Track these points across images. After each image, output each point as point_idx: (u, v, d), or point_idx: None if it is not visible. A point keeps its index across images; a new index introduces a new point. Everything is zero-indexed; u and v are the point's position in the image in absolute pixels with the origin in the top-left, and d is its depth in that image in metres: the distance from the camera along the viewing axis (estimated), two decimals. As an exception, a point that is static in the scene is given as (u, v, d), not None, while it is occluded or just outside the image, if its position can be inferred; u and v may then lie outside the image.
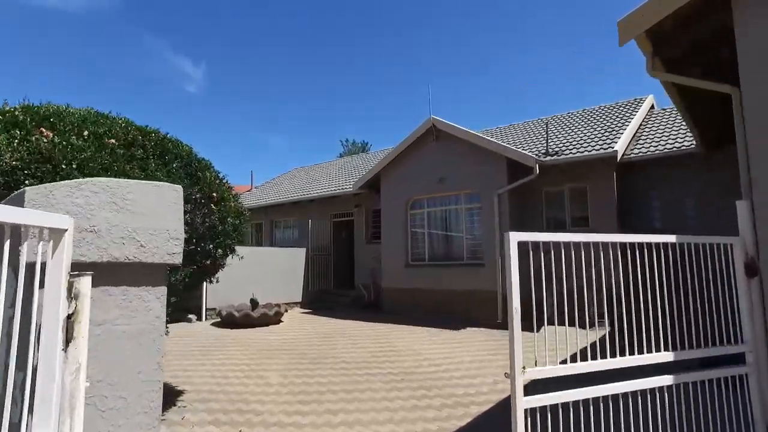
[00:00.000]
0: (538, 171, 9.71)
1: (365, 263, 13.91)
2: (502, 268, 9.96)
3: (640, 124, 11.67)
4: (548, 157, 10.44)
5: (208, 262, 4.33)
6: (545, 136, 11.55)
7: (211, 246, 4.21)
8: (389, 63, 71.05)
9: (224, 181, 4.79)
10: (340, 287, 14.69)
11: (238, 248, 5.05)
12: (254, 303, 10.79)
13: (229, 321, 10.15)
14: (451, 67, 69.05)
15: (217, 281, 5.23)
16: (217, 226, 4.26)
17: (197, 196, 4.14)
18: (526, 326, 2.43)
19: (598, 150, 9.87)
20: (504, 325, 9.73)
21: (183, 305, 11.53)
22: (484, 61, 66.33)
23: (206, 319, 11.06)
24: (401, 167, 12.09)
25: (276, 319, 10.49)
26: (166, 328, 4.50)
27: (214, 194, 4.30)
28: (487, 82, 68.46)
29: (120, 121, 4.18)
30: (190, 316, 10.90)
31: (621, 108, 12.77)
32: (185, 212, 4.09)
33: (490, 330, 9.37)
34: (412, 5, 62.72)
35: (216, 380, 5.93)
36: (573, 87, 62.29)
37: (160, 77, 67.76)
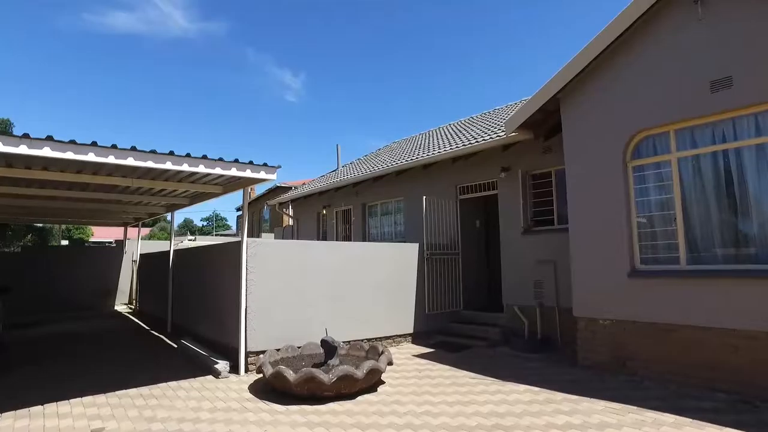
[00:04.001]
0: None
1: (522, 269, 8.01)
2: None
3: None
4: None
5: None
6: None
7: None
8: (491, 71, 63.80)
9: None
10: (477, 308, 8.93)
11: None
12: (330, 347, 5.49)
13: (277, 386, 5.00)
14: None
15: None
16: None
17: None
18: None
19: None
20: None
21: (210, 342, 6.73)
22: None
23: (246, 370, 6.00)
24: (612, 72, 5.99)
25: (371, 381, 5.11)
26: None
27: None
28: None
29: None
30: (217, 364, 5.93)
31: None
32: None
33: None
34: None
35: None
36: None
37: (262, 89, 68.96)
